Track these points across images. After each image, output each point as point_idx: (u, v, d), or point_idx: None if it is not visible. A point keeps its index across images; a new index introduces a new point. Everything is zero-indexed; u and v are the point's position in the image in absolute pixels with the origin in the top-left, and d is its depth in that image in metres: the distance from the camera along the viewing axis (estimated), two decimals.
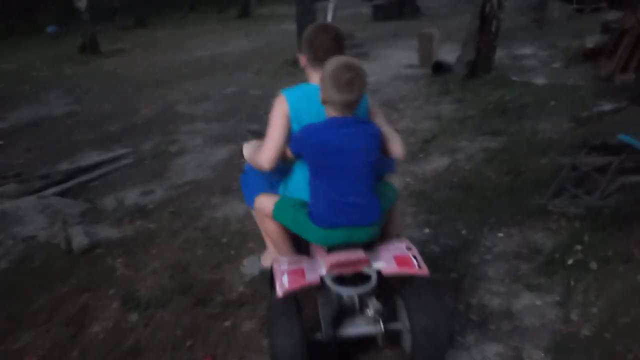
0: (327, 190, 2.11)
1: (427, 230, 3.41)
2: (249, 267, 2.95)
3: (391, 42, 11.54)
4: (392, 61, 9.54)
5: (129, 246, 3.58)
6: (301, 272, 2.08)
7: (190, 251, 3.45)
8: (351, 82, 2.05)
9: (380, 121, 2.28)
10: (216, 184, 4.62)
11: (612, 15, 8.72)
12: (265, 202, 2.33)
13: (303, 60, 2.35)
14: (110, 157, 5.41)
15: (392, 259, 2.12)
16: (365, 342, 2.25)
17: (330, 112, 2.12)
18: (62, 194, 4.57)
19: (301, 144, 2.13)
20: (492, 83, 7.06)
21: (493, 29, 7.05)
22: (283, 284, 2.02)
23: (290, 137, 2.18)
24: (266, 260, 2.68)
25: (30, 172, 5.07)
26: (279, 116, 2.19)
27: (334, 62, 2.08)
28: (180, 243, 3.57)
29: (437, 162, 4.60)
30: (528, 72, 7.54)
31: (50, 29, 17.21)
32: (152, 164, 5.23)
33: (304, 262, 2.17)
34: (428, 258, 2.27)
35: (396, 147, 2.24)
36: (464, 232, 3.35)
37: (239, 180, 3.10)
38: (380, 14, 15.80)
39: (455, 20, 14.64)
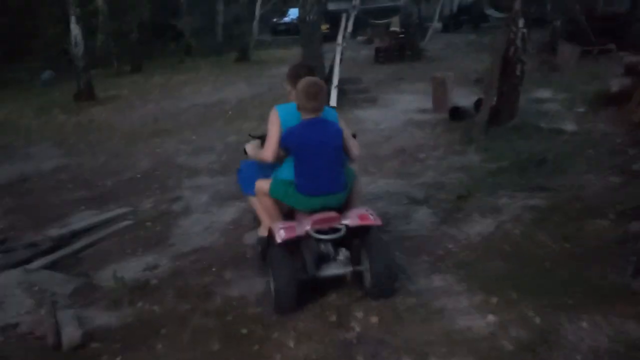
0: (308, 170, 3.09)
1: (491, 318, 2.82)
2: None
3: (397, 85, 11.19)
4: (403, 106, 9.13)
5: (129, 339, 2.96)
6: (292, 228, 3.04)
7: (203, 346, 2.84)
8: (316, 93, 3.04)
9: (345, 128, 3.24)
10: (227, 251, 4.04)
11: (631, 57, 8.38)
12: (264, 184, 3.28)
13: (290, 89, 3.31)
14: (106, 218, 4.83)
15: (355, 217, 3.08)
16: (337, 281, 3.19)
17: (304, 116, 3.09)
18: (51, 266, 3.97)
19: (288, 140, 3.09)
20: (518, 130, 6.60)
21: (517, 72, 6.64)
22: (280, 235, 2.96)
23: (281, 137, 3.11)
24: (262, 231, 3.40)
25: (15, 239, 4.47)
26: (274, 123, 3.17)
27: (304, 81, 3.05)
28: (190, 335, 2.96)
29: (480, 225, 4.05)
30: (553, 118, 7.11)
31: (45, 75, 16.82)
32: (154, 227, 4.65)
33: (294, 223, 3.14)
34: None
35: (353, 148, 3.28)
36: (537, 320, 2.76)
37: (253, 247, 3.82)
38: (382, 57, 15.59)
39: (459, 62, 14.44)
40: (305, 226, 3.03)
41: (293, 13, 36.18)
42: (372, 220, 3.06)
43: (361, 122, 8.13)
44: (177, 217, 4.85)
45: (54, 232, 4.39)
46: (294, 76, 3.29)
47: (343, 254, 3.09)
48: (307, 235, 3.01)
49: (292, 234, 2.99)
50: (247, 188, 3.53)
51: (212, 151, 7.14)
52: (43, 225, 4.87)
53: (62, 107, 11.27)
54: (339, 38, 9.07)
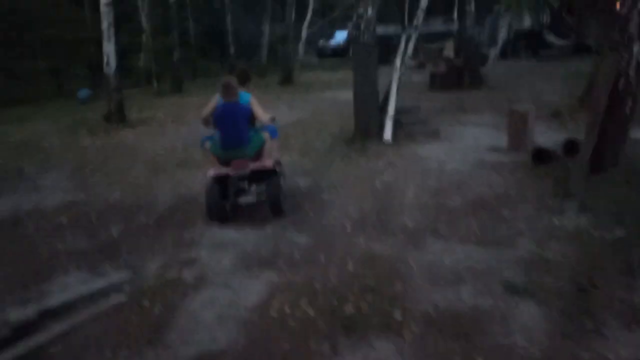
0: (223, 132, 5.00)
1: None
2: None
3: (460, 116, 9.83)
4: (470, 141, 7.77)
5: None
6: (218, 169, 4.96)
7: None
8: (227, 89, 4.92)
9: (255, 107, 5.10)
10: None
11: None
12: (208, 145, 5.21)
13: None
14: (95, 288, 3.67)
15: (258, 164, 5.00)
16: (250, 207, 5.14)
17: (224, 100, 4.97)
18: None
19: (214, 114, 5.04)
20: (626, 180, 5.18)
21: (627, 109, 5.22)
22: (210, 173, 4.95)
23: (210, 114, 5.15)
24: (209, 172, 5.03)
25: None
26: (212, 101, 5.19)
27: (223, 80, 5.05)
28: None
29: (626, 345, 2.66)
30: None
31: (82, 93, 16.27)
32: (153, 307, 3.45)
33: (223, 168, 4.97)
34: None
35: (262, 117, 5.11)
36: None
37: None
38: (438, 83, 14.26)
39: (524, 91, 12.95)
40: (229, 170, 4.94)
41: (340, 35, 35.51)
42: (266, 166, 5.00)
43: (423, 160, 6.83)
44: (186, 291, 3.65)
45: (16, 314, 3.23)
46: (240, 78, 5.45)
47: (254, 188, 5.08)
48: (228, 175, 4.94)
49: (219, 172, 4.95)
50: (202, 146, 5.36)
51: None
52: (21, 289, 3.77)
53: (90, 129, 10.43)
54: (397, 62, 7.83)
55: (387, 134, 7.57)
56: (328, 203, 5.36)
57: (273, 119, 5.21)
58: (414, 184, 5.81)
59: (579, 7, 14.99)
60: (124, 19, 21.46)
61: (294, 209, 5.22)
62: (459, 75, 14.58)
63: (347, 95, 14.98)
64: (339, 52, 32.81)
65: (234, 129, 4.91)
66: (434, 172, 6.26)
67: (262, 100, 13.63)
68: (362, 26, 7.49)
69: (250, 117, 5.05)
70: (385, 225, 4.65)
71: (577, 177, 5.22)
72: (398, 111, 7.99)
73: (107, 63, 10.57)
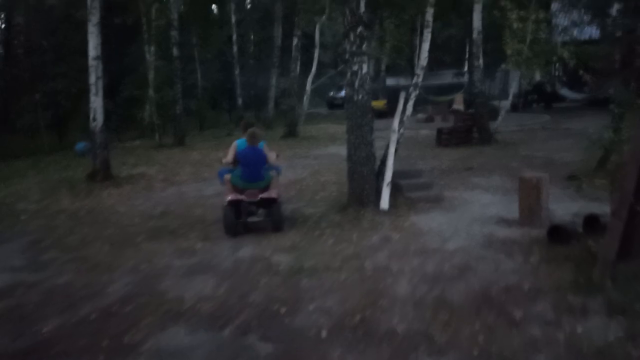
0: (245, 169, 6.51)
1: None
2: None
3: (467, 178, 9.06)
4: (477, 210, 6.97)
5: None
6: (236, 195, 6.40)
7: None
8: (252, 138, 6.47)
9: (267, 151, 6.63)
10: None
11: None
12: (228, 176, 6.62)
13: (242, 133, 6.78)
14: None
15: (266, 194, 6.44)
16: (257, 226, 6.55)
17: (249, 144, 6.52)
18: None
19: (239, 154, 6.55)
20: None
21: None
22: (230, 198, 6.37)
23: (236, 153, 6.62)
24: (226, 199, 6.46)
25: None
26: (233, 147, 6.68)
27: (248, 132, 6.56)
28: None
29: None
30: None
31: (80, 145, 15.84)
32: None
33: (238, 195, 6.42)
34: None
35: (271, 160, 6.67)
36: None
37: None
38: (446, 139, 13.58)
39: (538, 149, 12.20)
40: (243, 197, 6.46)
41: None
42: (272, 195, 6.49)
43: (422, 235, 6.01)
44: None
45: None
46: (243, 127, 7.01)
47: (261, 211, 6.60)
48: (242, 200, 6.44)
49: (235, 198, 6.41)
50: (221, 178, 7.01)
51: (212, 273, 5.17)
52: None
53: (72, 188, 9.81)
54: (395, 123, 7.14)
55: (384, 201, 6.80)
56: (306, 293, 4.53)
57: (278, 156, 7.07)
58: (410, 268, 4.98)
59: (598, 63, 14.41)
60: (129, 72, 21.40)
61: (267, 301, 4.40)
62: (468, 131, 13.92)
63: None
64: None
65: (255, 168, 6.57)
66: (435, 252, 5.43)
67: None
68: (356, 84, 6.86)
69: (263, 159, 6.66)
70: (369, 329, 3.80)
71: (603, 265, 4.36)
72: (397, 175, 7.25)
73: (94, 118, 10.08)
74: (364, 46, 6.87)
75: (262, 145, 6.62)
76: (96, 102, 10.01)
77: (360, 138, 6.90)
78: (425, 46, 6.88)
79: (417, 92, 7.24)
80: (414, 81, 7.14)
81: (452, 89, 27.84)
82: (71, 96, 18.95)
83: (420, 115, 22.04)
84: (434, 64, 32.61)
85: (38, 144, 18.82)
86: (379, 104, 27.07)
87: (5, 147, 17.84)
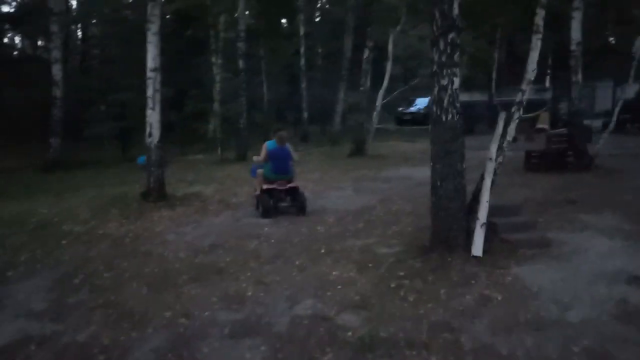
0: (275, 164, 8.30)
1: None
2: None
3: (573, 215, 7.50)
4: (595, 262, 5.51)
5: None
6: (270, 185, 8.22)
7: None
8: (281, 140, 8.39)
9: (292, 151, 8.60)
10: None
11: None
12: (260, 171, 8.46)
13: (273, 134, 8.84)
14: None
15: (291, 184, 8.40)
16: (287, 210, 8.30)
17: (278, 145, 8.38)
18: None
19: (270, 153, 8.28)
20: None
21: None
22: (263, 187, 8.22)
23: (268, 153, 8.31)
24: (256, 191, 8.47)
25: None
26: (265, 148, 8.35)
27: (277, 134, 8.53)
28: None
29: None
30: None
31: (142, 159, 15.38)
32: None
33: (270, 184, 8.24)
34: None
35: (294, 157, 8.67)
36: None
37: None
38: (535, 163, 11.96)
39: None
40: (275, 185, 8.12)
41: (421, 102, 33.85)
42: (297, 185, 8.39)
43: (531, 297, 4.65)
44: None
45: None
46: (274, 132, 8.77)
47: (288, 198, 8.30)
48: (274, 189, 8.12)
49: (269, 186, 8.12)
50: (253, 174, 8.86)
51: (262, 337, 4.08)
52: None
53: (125, 207, 9.09)
54: (492, 150, 5.81)
55: (478, 246, 5.49)
56: None
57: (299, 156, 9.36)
58: (524, 351, 3.68)
59: None
60: (196, 84, 21.08)
61: None
62: (562, 154, 12.22)
63: (426, 174, 12.89)
64: (419, 120, 31.06)
65: (283, 163, 8.37)
66: (554, 326, 4.09)
67: (326, 174, 11.94)
68: (446, 101, 5.62)
69: (289, 157, 8.48)
70: None
71: None
72: (490, 210, 5.91)
73: (150, 134, 9.35)
74: (455, 56, 5.65)
75: (289, 146, 8.68)
76: (152, 117, 9.29)
77: (449, 167, 5.63)
78: (534, 56, 5.55)
79: (521, 112, 5.90)
80: (517, 99, 5.80)
81: (533, 105, 25.82)
82: (136, 108, 18.72)
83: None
84: (512, 78, 30.62)
85: (102, 155, 18.74)
86: None
87: (72, 157, 17.83)
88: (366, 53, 16.45)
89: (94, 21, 27.58)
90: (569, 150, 12.22)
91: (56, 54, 17.14)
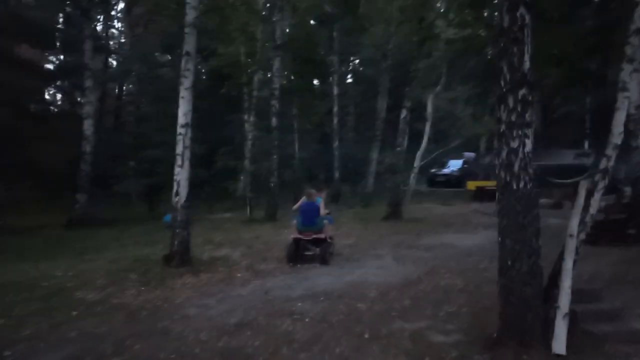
0: (303, 217, 9.48)
1: None
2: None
3: None
4: None
5: None
6: (297, 235, 9.39)
7: None
8: (309, 196, 9.62)
9: (321, 206, 9.59)
10: None
11: None
12: (294, 222, 9.73)
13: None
14: None
15: (317, 235, 9.40)
16: (311, 257, 9.32)
17: (307, 200, 9.62)
18: None
19: (300, 207, 9.66)
20: None
21: None
22: (292, 236, 9.45)
23: (300, 207, 9.73)
24: (290, 236, 9.56)
25: None
26: (299, 202, 9.86)
27: (305, 192, 9.88)
28: None
29: None
30: None
31: (168, 217, 14.81)
32: None
33: (298, 234, 9.41)
34: None
35: (322, 212, 9.53)
36: None
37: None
38: (593, 234, 10.80)
39: None
40: (302, 236, 9.33)
41: (454, 164, 33.02)
42: (321, 237, 9.34)
43: None
44: None
45: None
46: (304, 191, 10.30)
47: (314, 247, 9.40)
48: (301, 238, 9.33)
49: (296, 236, 9.33)
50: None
51: None
52: None
53: (145, 272, 8.38)
54: (573, 224, 4.92)
55: (560, 341, 4.51)
56: None
57: (328, 213, 10.05)
58: None
59: None
60: (227, 141, 20.80)
61: None
62: (622, 225, 11.12)
63: (471, 241, 12.07)
64: (452, 183, 30.17)
65: (310, 216, 9.40)
66: None
67: (362, 238, 10.96)
68: (516, 166, 4.82)
69: (317, 211, 9.45)
70: None
71: None
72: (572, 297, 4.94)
73: (177, 193, 8.74)
74: (527, 114, 4.89)
75: (320, 200, 9.71)
76: (181, 175, 8.71)
77: (522, 244, 4.75)
78: (621, 117, 4.75)
79: (607, 180, 5.04)
80: (601, 165, 4.97)
81: (574, 170, 24.77)
82: (166, 164, 18.41)
83: (544, 201, 19.22)
84: (550, 141, 29.68)
85: (130, 212, 18.29)
86: (491, 184, 24.55)
87: (98, 214, 17.40)
88: (404, 113, 15.90)
89: (131, 79, 28.08)
90: (630, 221, 11.13)
91: (88, 109, 17.06)
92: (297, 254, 9.19)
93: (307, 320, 5.96)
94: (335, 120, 23.90)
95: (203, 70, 23.97)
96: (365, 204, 20.48)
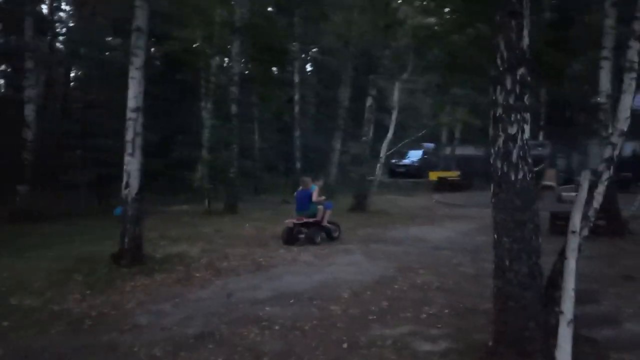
0: (298, 204, 10.52)
1: None
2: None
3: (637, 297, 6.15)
4: None
5: None
6: (291, 222, 10.26)
7: None
8: (305, 183, 10.69)
9: (314, 193, 10.41)
10: None
11: None
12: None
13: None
14: None
15: (306, 220, 10.31)
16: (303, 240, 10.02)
17: (302, 188, 10.66)
18: None
19: (296, 195, 10.81)
20: None
21: None
22: (288, 222, 10.31)
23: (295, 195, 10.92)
24: (286, 222, 10.43)
25: None
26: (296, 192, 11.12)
27: (300, 179, 11.64)
28: None
29: None
30: None
31: (119, 210, 13.79)
32: None
33: (292, 220, 10.30)
34: None
35: (314, 199, 10.37)
36: None
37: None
38: (562, 226, 10.56)
39: None
40: (294, 220, 10.25)
41: (414, 155, 32.87)
42: (309, 221, 10.22)
43: None
44: None
45: None
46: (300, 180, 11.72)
47: (304, 230, 10.17)
48: (294, 223, 10.18)
49: (289, 221, 10.26)
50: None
51: None
52: None
53: (91, 272, 7.52)
54: (575, 220, 4.43)
55: (564, 352, 4.01)
56: None
57: (325, 199, 10.83)
58: None
59: None
60: (184, 130, 19.76)
61: None
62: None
63: (440, 234, 11.67)
64: (412, 173, 30.04)
65: (302, 203, 10.39)
66: None
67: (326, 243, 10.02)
68: (514, 155, 4.30)
69: (309, 198, 10.38)
70: None
71: None
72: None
73: (127, 184, 7.91)
74: (526, 97, 4.37)
75: (313, 188, 10.47)
76: (131, 164, 7.87)
77: (521, 242, 4.24)
78: (627, 100, 4.30)
79: (611, 171, 4.60)
80: (606, 155, 4.52)
81: (533, 162, 24.95)
82: (116, 154, 17.26)
83: None
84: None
85: (78, 205, 17.06)
86: (453, 174, 24.45)
87: (43, 207, 16.10)
88: (369, 101, 15.35)
89: (79, 63, 26.42)
90: (599, 213, 10.93)
91: (30, 92, 15.69)
92: (291, 236, 10.07)
93: (276, 327, 5.31)
94: (297, 109, 23.18)
95: (157, 55, 22.75)
96: (328, 195, 19.89)
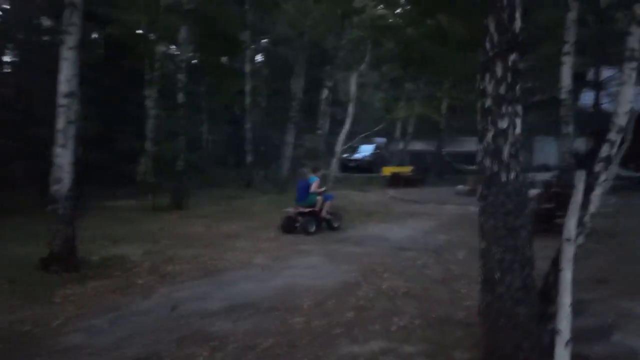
0: (297, 194, 11.15)
1: None
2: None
3: (617, 304, 5.83)
4: None
5: None
6: (291, 211, 10.75)
7: None
8: (304, 174, 11.38)
9: (314, 184, 10.91)
10: None
11: None
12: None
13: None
14: None
15: (304, 209, 10.73)
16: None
17: (301, 179, 11.42)
18: None
19: (296, 185, 11.64)
20: None
21: None
22: (289, 211, 10.78)
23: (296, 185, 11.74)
24: (287, 210, 10.88)
25: None
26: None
27: (299, 171, 12.71)
28: None
29: None
30: None
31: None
32: None
33: (293, 210, 10.78)
34: None
35: (312, 190, 10.88)
36: None
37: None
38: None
39: None
40: (292, 209, 10.77)
41: (365, 149, 32.61)
42: (305, 211, 10.61)
43: None
44: None
45: None
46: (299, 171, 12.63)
47: (301, 220, 10.52)
48: (292, 212, 10.67)
49: (291, 212, 10.65)
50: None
51: None
52: None
53: (17, 280, 6.57)
54: (570, 226, 3.96)
55: None
56: None
57: (325, 191, 11.40)
58: None
59: None
60: (125, 122, 18.57)
61: None
62: (549, 216, 10.78)
63: (400, 233, 11.19)
64: (364, 167, 29.79)
65: (301, 193, 10.95)
66: None
67: (284, 237, 9.71)
68: (505, 152, 3.79)
69: (308, 188, 10.84)
70: None
71: None
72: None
73: (58, 179, 6.96)
74: (518, 87, 3.87)
75: (313, 179, 10.95)
76: (63, 157, 6.94)
77: (514, 252, 3.75)
78: (628, 92, 3.85)
79: (614, 175, 4.15)
80: (603, 153, 4.07)
81: (473, 158, 25.18)
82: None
83: (460, 187, 19.08)
84: (453, 130, 30.05)
85: (14, 200, 15.61)
86: (406, 170, 24.25)
87: None
88: (325, 93, 14.78)
89: (12, 47, 24.52)
90: (559, 211, 10.78)
91: None
92: (289, 225, 10.51)
93: (230, 347, 4.62)
94: (248, 101, 22.29)
95: (100, 39, 21.32)
96: (280, 190, 19.22)
